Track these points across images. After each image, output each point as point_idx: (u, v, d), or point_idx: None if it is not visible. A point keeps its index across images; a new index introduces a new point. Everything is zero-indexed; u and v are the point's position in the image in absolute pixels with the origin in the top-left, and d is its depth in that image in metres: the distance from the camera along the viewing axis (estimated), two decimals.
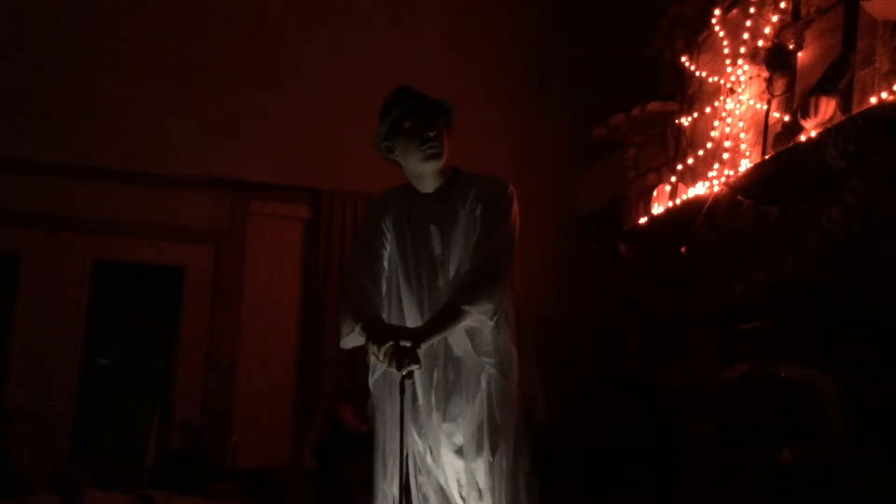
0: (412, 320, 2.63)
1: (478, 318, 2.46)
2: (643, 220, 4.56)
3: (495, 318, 2.48)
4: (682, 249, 4.16)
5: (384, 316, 2.63)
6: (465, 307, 2.43)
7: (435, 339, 2.49)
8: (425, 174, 2.65)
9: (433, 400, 2.59)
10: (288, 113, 5.70)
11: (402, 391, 2.44)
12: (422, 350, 2.43)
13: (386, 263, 2.68)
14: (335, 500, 4.55)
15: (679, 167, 4.57)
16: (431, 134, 2.58)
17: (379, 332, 2.46)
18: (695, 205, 4.09)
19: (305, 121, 5.71)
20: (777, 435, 3.52)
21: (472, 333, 2.54)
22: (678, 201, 4.33)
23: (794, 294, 3.47)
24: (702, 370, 4.13)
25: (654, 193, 4.61)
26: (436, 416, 2.59)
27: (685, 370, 4.25)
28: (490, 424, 2.51)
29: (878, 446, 2.99)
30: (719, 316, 3.97)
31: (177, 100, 5.51)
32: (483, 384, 2.55)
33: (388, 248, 2.69)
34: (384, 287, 2.67)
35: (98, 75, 5.44)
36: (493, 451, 2.50)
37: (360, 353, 2.65)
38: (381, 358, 2.42)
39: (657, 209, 4.51)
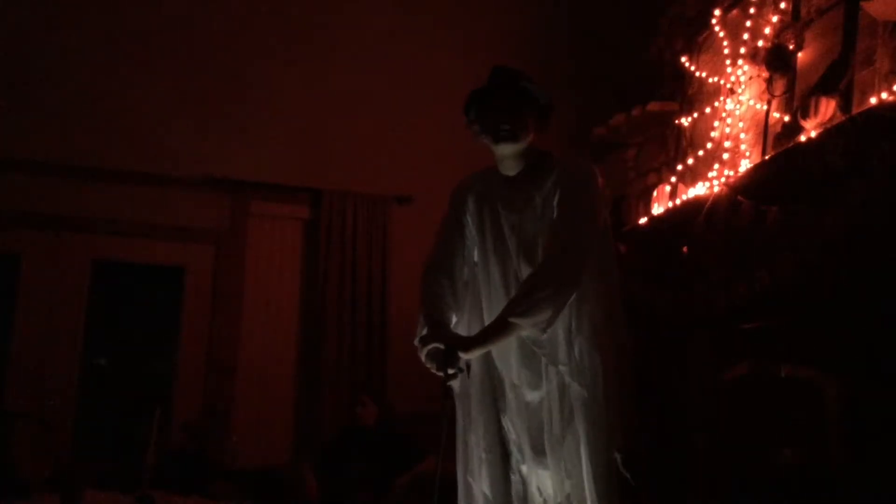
0: (488, 309, 2.58)
1: (530, 330, 2.38)
2: (643, 220, 4.56)
3: (549, 329, 2.37)
4: (683, 249, 4.16)
5: (466, 304, 2.60)
6: (515, 320, 2.34)
7: (484, 350, 2.45)
8: (503, 156, 2.60)
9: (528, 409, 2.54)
10: (288, 113, 5.70)
11: (445, 396, 2.43)
12: (469, 356, 2.39)
13: (466, 251, 2.65)
14: (339, 499, 4.56)
15: (679, 167, 4.58)
16: (503, 115, 2.53)
17: (429, 335, 2.43)
18: (695, 205, 4.09)
19: (305, 121, 5.71)
20: (777, 435, 3.52)
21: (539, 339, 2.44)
22: (678, 201, 4.34)
23: (794, 294, 3.47)
24: (702, 370, 4.13)
25: (654, 193, 4.62)
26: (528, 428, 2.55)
27: (685, 370, 4.25)
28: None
29: (878, 446, 2.99)
30: (719, 316, 3.97)
31: (177, 100, 5.51)
32: (573, 402, 2.44)
33: (469, 234, 2.65)
34: (466, 274, 2.63)
35: (98, 75, 5.44)
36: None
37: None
38: (423, 359, 2.42)
39: (657, 209, 4.51)
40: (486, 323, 2.53)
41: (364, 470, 4.60)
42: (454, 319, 2.58)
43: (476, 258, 2.64)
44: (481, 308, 2.61)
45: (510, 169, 2.61)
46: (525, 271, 2.50)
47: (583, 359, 2.41)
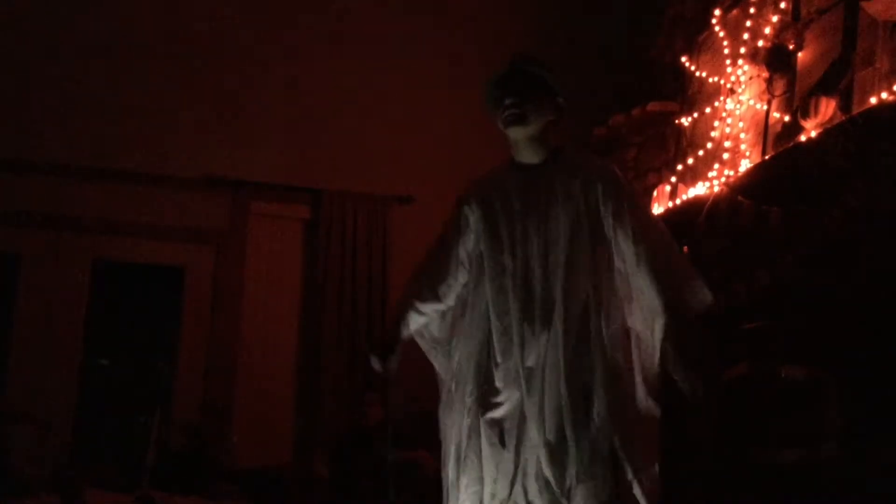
0: (500, 317, 2.49)
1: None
2: None
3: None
4: (684, 249, 4.16)
5: (463, 322, 2.58)
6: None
7: None
8: (516, 143, 2.55)
9: None
10: (288, 113, 5.70)
11: None
12: None
13: (465, 256, 2.59)
14: (347, 498, 4.56)
15: (679, 167, 4.58)
16: (508, 101, 2.48)
17: None
18: (695, 205, 4.09)
19: (305, 121, 5.71)
20: (777, 435, 3.52)
21: None
22: (678, 201, 4.34)
23: (794, 294, 3.47)
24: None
25: (654, 193, 4.62)
26: None
27: None
28: None
29: (878, 446, 2.99)
30: (719, 316, 3.97)
31: (177, 100, 5.51)
32: None
33: (470, 240, 2.58)
34: (459, 280, 2.59)
35: (98, 75, 5.43)
36: None
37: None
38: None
39: (657, 209, 4.51)
40: (497, 333, 2.47)
41: (370, 467, 4.62)
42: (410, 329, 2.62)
43: (487, 259, 2.53)
44: (488, 320, 2.50)
45: (526, 157, 2.55)
46: (545, 274, 2.44)
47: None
